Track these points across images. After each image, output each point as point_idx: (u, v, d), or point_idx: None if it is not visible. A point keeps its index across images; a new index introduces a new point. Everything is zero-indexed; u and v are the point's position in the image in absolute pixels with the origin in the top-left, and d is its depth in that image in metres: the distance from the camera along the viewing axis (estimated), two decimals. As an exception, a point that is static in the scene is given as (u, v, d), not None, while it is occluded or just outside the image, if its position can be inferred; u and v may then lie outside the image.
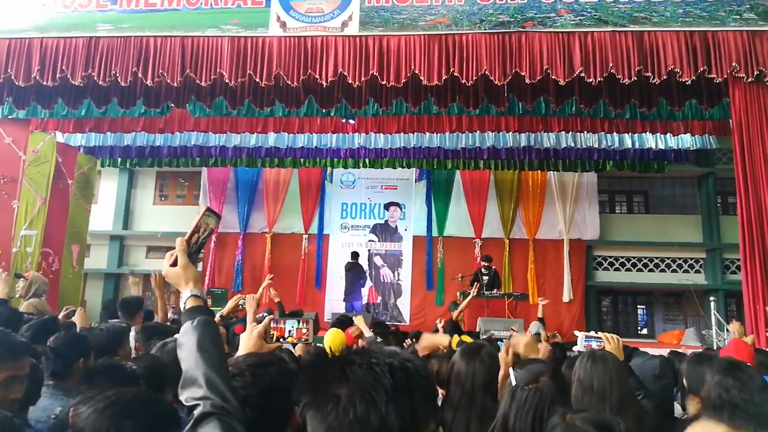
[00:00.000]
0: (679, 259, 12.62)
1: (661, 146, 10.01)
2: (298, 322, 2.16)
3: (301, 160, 11.33)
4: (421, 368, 1.06)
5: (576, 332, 3.43)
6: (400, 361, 1.03)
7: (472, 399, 2.26)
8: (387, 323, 8.79)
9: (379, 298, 12.67)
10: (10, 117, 8.14)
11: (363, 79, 6.14)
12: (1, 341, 1.84)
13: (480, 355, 2.35)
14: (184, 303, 1.46)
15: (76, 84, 6.53)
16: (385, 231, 13.08)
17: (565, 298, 12.12)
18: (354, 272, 11.30)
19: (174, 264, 1.52)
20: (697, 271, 12.53)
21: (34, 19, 6.65)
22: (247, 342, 1.85)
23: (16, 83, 6.55)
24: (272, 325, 2.25)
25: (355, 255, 11.56)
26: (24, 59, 6.49)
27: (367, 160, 11.21)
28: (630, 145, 10.02)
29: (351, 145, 10.62)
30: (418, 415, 0.98)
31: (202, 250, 1.59)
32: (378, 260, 12.97)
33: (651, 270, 12.66)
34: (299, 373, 1.30)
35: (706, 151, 11.31)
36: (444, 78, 6.05)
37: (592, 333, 3.16)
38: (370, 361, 1.01)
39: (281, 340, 2.11)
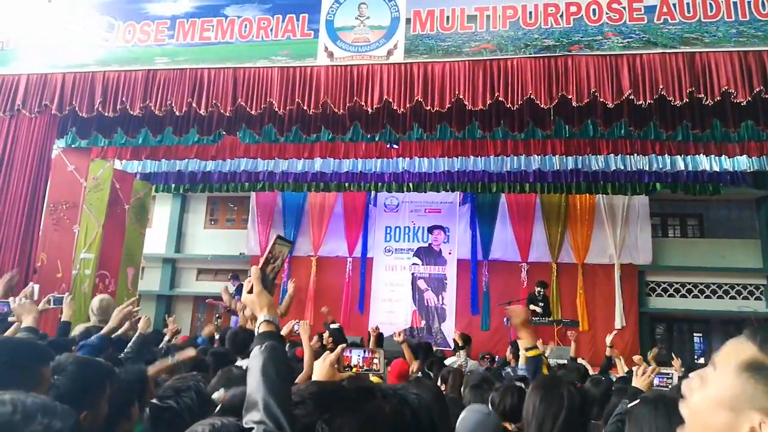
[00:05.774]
0: (738, 285, 12.05)
1: (716, 168, 9.60)
2: (364, 351, 2.21)
3: (346, 184, 11.46)
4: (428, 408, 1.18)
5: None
6: (412, 399, 1.15)
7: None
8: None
9: (423, 323, 12.56)
10: (73, 146, 8.60)
11: (408, 105, 6.18)
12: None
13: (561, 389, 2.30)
14: (258, 327, 1.55)
15: (135, 114, 6.84)
16: (428, 254, 13.02)
17: (617, 324, 11.71)
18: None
19: (251, 291, 1.62)
20: (758, 298, 11.92)
21: (97, 54, 7.01)
22: (320, 370, 1.90)
23: (80, 114, 6.88)
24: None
25: (235, 277, 11.65)
26: (87, 92, 6.80)
27: (411, 184, 11.25)
28: (683, 168, 9.67)
29: (395, 170, 10.70)
30: None
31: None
32: (422, 284, 12.89)
33: (708, 296, 12.13)
34: (324, 391, 1.37)
35: (765, 173, 10.83)
36: (489, 102, 6.02)
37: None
38: (384, 394, 1.13)
39: (347, 368, 2.16)
